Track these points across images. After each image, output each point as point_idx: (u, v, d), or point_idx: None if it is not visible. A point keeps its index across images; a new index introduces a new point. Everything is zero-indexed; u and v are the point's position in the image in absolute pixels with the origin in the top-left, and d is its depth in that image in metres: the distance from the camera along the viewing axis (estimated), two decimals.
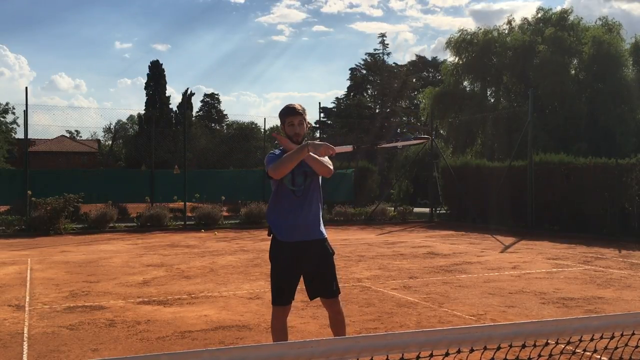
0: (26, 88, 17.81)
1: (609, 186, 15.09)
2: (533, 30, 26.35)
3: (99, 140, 50.35)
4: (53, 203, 16.09)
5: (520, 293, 7.47)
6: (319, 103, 25.05)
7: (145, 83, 44.20)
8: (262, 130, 29.49)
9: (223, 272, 9.29)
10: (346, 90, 54.50)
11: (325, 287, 4.05)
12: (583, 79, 24.67)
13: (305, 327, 5.77)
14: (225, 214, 19.71)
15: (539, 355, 2.28)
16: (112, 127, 49.06)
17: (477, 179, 19.23)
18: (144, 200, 19.16)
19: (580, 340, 2.12)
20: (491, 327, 1.92)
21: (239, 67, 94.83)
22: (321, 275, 4.05)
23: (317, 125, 32.71)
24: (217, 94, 57.38)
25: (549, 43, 24.40)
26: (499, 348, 1.95)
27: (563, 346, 2.38)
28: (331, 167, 3.91)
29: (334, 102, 53.49)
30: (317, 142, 3.77)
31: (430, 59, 56.68)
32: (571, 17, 26.40)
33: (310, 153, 3.71)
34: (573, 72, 25.34)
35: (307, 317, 6.12)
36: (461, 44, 27.13)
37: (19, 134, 37.90)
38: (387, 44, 61.03)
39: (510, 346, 2.02)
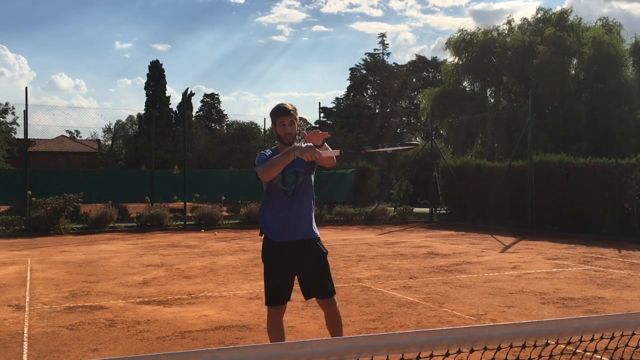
0: (26, 88, 17.82)
1: (609, 186, 15.08)
2: (533, 31, 26.35)
3: (99, 140, 50.33)
4: (53, 203, 16.09)
5: (520, 293, 7.47)
6: (319, 103, 25.05)
7: (145, 83, 44.22)
8: (262, 130, 29.47)
9: (223, 272, 9.29)
10: (346, 90, 54.57)
11: (319, 287, 4.02)
12: (583, 79, 24.68)
13: (305, 327, 5.77)
14: (225, 214, 19.71)
15: (539, 356, 2.28)
16: (112, 127, 49.13)
17: (477, 179, 19.23)
18: (144, 200, 19.16)
19: (581, 341, 2.12)
20: (491, 328, 1.92)
21: (239, 67, 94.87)
22: (315, 275, 4.01)
23: (317, 126, 32.72)
24: (217, 94, 57.40)
25: (549, 43, 24.40)
26: (499, 348, 1.95)
27: (563, 346, 2.38)
28: (334, 157, 3.94)
29: (333, 102, 53.54)
30: (303, 145, 3.77)
31: (430, 59, 56.76)
32: (571, 17, 26.43)
33: (319, 150, 3.70)
34: (573, 72, 25.35)
35: (307, 317, 6.12)
36: (461, 44, 27.14)
37: (19, 134, 37.87)
38: (387, 44, 61.11)
39: (511, 346, 2.02)
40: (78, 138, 51.94)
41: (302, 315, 6.16)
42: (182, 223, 18.15)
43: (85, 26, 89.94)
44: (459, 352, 1.92)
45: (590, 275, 8.95)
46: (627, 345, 2.42)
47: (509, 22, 28.06)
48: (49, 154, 40.92)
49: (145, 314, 6.34)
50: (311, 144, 3.79)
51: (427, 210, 22.30)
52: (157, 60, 45.56)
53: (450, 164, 20.69)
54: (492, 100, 27.99)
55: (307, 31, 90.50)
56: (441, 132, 30.19)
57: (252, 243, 13.62)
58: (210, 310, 6.50)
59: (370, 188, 23.62)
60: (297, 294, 4.12)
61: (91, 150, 46.37)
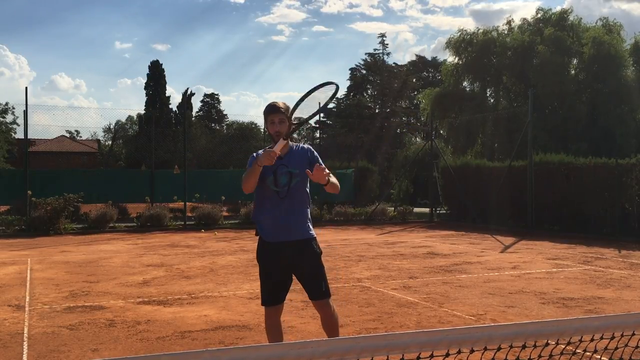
0: (26, 88, 17.84)
1: (609, 186, 15.09)
2: (533, 31, 26.36)
3: (99, 140, 50.34)
4: (53, 203, 16.09)
5: (520, 293, 7.47)
6: (319, 103, 25.01)
7: (145, 83, 44.23)
8: (262, 130, 29.47)
9: (223, 272, 9.29)
10: (346, 90, 54.49)
11: (313, 287, 3.96)
12: (583, 79, 24.68)
13: (306, 327, 5.76)
14: (225, 214, 19.71)
15: (539, 356, 2.28)
16: (112, 127, 49.12)
17: (477, 179, 19.24)
18: (144, 200, 19.16)
19: (581, 341, 2.12)
20: (492, 328, 1.92)
21: (239, 67, 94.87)
22: (308, 276, 3.97)
23: (317, 126, 32.72)
24: (217, 94, 57.46)
25: (549, 43, 24.40)
26: (499, 349, 1.95)
27: (563, 346, 2.38)
28: (337, 185, 3.91)
29: (333, 102, 53.44)
30: (260, 151, 3.81)
31: (430, 59, 56.80)
32: (571, 18, 26.44)
33: (273, 148, 3.72)
34: (573, 72, 25.36)
35: (307, 317, 6.11)
36: (461, 44, 27.15)
37: (19, 134, 37.85)
38: (387, 44, 61.08)
39: (511, 347, 2.02)
40: (78, 138, 51.94)
41: (302, 315, 6.16)
42: (182, 223, 18.15)
43: (85, 26, 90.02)
44: (459, 352, 1.92)
45: (590, 275, 8.95)
46: (627, 345, 2.42)
47: (508, 22, 28.09)
48: (49, 154, 40.90)
49: (145, 314, 6.34)
50: (268, 147, 3.80)
51: (427, 210, 22.30)
52: (157, 60, 45.64)
53: (450, 164, 20.70)
54: (492, 101, 28.01)
55: (307, 31, 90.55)
56: (441, 132, 30.20)
57: (252, 243, 13.62)
58: (210, 310, 6.50)
59: (370, 188, 23.62)
60: (297, 294, 4.11)
61: (91, 150, 46.36)
